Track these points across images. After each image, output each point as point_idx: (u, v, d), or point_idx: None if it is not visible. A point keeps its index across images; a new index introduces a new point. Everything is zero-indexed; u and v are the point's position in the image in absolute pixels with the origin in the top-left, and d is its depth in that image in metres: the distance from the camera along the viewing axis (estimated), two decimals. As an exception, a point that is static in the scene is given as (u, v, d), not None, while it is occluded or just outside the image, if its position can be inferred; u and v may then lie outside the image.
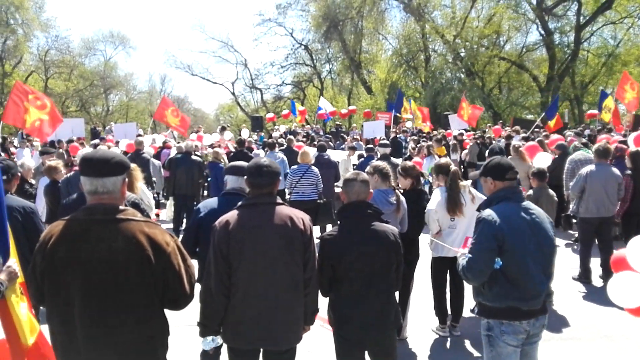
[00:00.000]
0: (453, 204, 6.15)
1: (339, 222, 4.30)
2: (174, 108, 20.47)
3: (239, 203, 3.92)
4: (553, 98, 26.56)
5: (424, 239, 6.57)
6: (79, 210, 3.07)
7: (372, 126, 21.92)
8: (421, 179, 6.91)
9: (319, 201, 10.42)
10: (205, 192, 17.05)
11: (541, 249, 3.94)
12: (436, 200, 6.22)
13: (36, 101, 12.90)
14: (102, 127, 28.68)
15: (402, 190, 6.31)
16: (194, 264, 3.54)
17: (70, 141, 16.43)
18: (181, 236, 11.02)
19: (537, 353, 4.19)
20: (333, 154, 13.02)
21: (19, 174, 5.31)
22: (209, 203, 4.87)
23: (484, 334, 4.11)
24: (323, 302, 4.10)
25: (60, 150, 13.46)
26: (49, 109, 13.11)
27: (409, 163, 6.87)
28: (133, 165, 6.00)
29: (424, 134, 21.58)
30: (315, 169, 10.64)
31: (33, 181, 9.25)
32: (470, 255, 3.95)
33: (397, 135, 21.14)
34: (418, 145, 15.28)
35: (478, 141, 18.72)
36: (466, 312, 6.87)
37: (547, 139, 13.68)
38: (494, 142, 19.11)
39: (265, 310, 3.69)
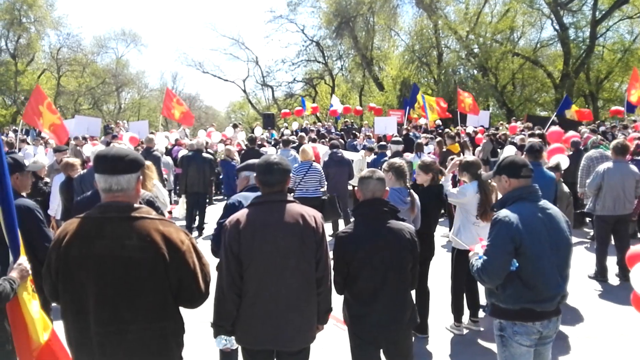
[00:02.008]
0: (487, 210, 6.10)
1: (353, 220, 4.26)
2: (177, 98, 20.57)
3: (249, 201, 3.89)
4: (568, 94, 26.33)
5: (437, 235, 6.52)
6: (93, 208, 3.06)
7: (384, 122, 21.76)
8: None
9: (323, 198, 10.42)
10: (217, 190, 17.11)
11: (558, 250, 3.88)
12: (470, 203, 6.21)
13: (51, 106, 13.29)
14: (115, 125, 28.72)
15: (423, 185, 6.31)
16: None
17: (84, 138, 16.51)
18: (194, 233, 11.08)
19: (549, 353, 4.15)
20: (346, 155, 12.95)
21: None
22: (243, 197, 4.63)
23: (496, 334, 4.08)
24: (337, 301, 4.07)
25: (78, 148, 13.52)
26: (58, 114, 13.52)
27: (428, 159, 6.83)
28: (147, 163, 5.97)
29: (438, 130, 21.45)
30: (318, 166, 10.70)
31: (48, 179, 9.28)
32: (486, 257, 3.88)
33: (410, 132, 21.03)
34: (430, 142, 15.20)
35: (491, 138, 18.63)
36: (481, 311, 6.84)
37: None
38: (509, 139, 19.03)
39: (277, 310, 3.65)
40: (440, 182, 6.62)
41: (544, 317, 3.87)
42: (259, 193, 3.99)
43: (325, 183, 10.70)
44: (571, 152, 11.56)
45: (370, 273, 3.99)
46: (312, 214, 3.76)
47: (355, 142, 19.16)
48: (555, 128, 14.65)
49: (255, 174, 4.61)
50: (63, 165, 8.20)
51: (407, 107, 25.33)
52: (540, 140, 12.33)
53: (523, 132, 17.99)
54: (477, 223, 6.23)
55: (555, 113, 22.36)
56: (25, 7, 44.09)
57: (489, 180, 6.14)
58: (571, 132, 14.58)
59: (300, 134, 17.23)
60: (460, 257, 6.47)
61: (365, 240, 4.01)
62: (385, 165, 5.92)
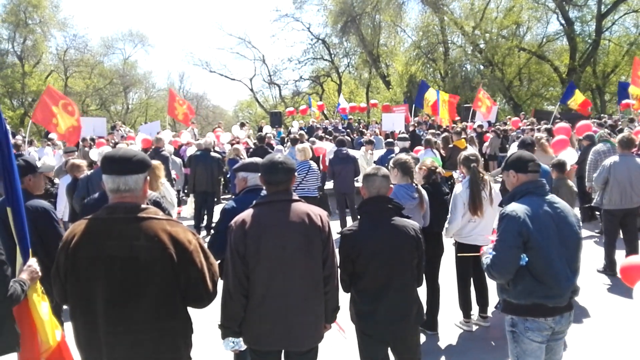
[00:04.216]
0: (474, 205, 6.12)
1: (359, 217, 4.27)
2: (179, 98, 20.72)
3: (254, 201, 3.86)
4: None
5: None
6: (101, 209, 3.08)
7: (392, 119, 21.73)
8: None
9: (317, 196, 10.50)
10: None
11: (566, 244, 3.87)
12: (460, 203, 6.20)
13: (67, 107, 13.13)
14: (123, 125, 28.81)
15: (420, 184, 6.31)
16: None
17: (92, 140, 16.57)
18: (202, 233, 11.08)
19: (561, 348, 4.14)
20: (351, 152, 12.94)
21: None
22: (240, 201, 4.60)
23: (508, 330, 4.07)
24: (344, 302, 4.08)
25: (86, 149, 13.60)
26: (77, 115, 13.35)
27: (427, 159, 6.83)
28: (156, 163, 5.98)
29: (442, 128, 21.41)
30: (315, 165, 10.71)
31: (57, 180, 9.31)
32: (494, 253, 3.89)
33: (416, 129, 21.02)
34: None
35: (499, 133, 18.63)
36: (491, 307, 6.83)
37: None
38: (511, 134, 19.01)
39: (285, 310, 3.63)
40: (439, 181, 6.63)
41: (556, 312, 3.86)
42: (255, 196, 4.00)
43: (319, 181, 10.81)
44: (585, 146, 11.49)
45: (376, 270, 4.01)
46: (317, 213, 3.75)
47: (362, 139, 19.15)
48: (563, 123, 14.60)
49: (251, 175, 4.63)
50: (69, 167, 8.21)
51: (413, 105, 25.28)
52: (547, 134, 12.34)
53: (528, 126, 17.98)
54: (472, 220, 6.24)
55: (559, 102, 22.37)
56: (30, 8, 44.22)
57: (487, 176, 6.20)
58: (584, 122, 14.50)
59: (299, 132, 17.28)
60: (462, 253, 6.51)
61: (370, 237, 4.02)
62: (390, 162, 5.93)
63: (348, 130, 23.68)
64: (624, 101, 22.46)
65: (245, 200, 4.41)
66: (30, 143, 18.00)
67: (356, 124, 28.10)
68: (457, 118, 24.31)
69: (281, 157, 3.86)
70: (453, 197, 6.34)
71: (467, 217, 6.23)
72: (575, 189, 7.89)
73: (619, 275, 8.26)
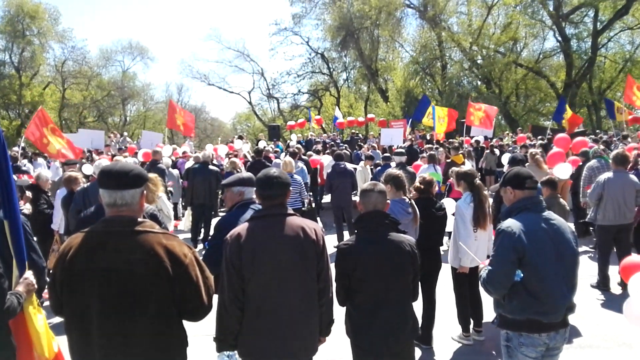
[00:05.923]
0: (480, 217, 6.15)
1: (355, 232, 4.30)
2: (180, 108, 20.77)
3: (250, 215, 3.89)
4: (570, 104, 26.40)
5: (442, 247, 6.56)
6: (97, 222, 3.10)
7: (390, 133, 21.78)
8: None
9: (303, 209, 10.46)
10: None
11: (563, 260, 3.90)
12: (468, 219, 6.24)
13: (55, 132, 13.48)
14: (121, 137, 28.82)
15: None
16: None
17: (89, 152, 16.57)
18: (200, 246, 11.05)
19: None
20: (349, 165, 12.96)
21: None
22: (232, 217, 4.60)
23: (503, 345, 4.10)
24: (339, 315, 4.10)
25: (83, 160, 13.61)
26: (65, 142, 13.70)
27: (427, 176, 6.84)
28: (153, 175, 5.98)
29: (440, 142, 21.44)
30: (298, 178, 10.75)
31: (49, 193, 9.28)
32: (490, 268, 3.93)
33: (414, 143, 21.06)
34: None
35: (495, 148, 18.70)
36: (488, 320, 6.85)
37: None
38: (509, 148, 19.08)
39: (280, 323, 3.65)
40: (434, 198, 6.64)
41: (551, 328, 3.89)
42: (249, 211, 4.00)
43: (307, 194, 10.78)
44: (581, 163, 11.56)
45: (372, 285, 4.02)
46: (312, 227, 3.77)
47: (360, 153, 19.18)
48: (563, 134, 14.74)
49: (248, 189, 4.65)
50: (65, 180, 8.16)
51: (410, 119, 25.32)
52: (542, 150, 12.42)
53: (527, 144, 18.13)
54: (475, 236, 6.27)
55: (551, 119, 22.51)
56: (27, 20, 44.27)
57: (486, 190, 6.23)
58: (579, 138, 14.58)
59: (297, 146, 17.34)
60: (457, 274, 6.57)
61: (366, 252, 4.04)
62: (383, 177, 5.93)
63: (346, 145, 23.68)
64: (630, 117, 22.51)
65: (239, 215, 4.47)
66: (24, 155, 17.98)
67: (351, 137, 28.10)
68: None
69: (276, 171, 3.89)
70: (456, 217, 6.37)
71: (471, 234, 6.27)
72: (568, 206, 7.91)
73: (612, 290, 8.33)
